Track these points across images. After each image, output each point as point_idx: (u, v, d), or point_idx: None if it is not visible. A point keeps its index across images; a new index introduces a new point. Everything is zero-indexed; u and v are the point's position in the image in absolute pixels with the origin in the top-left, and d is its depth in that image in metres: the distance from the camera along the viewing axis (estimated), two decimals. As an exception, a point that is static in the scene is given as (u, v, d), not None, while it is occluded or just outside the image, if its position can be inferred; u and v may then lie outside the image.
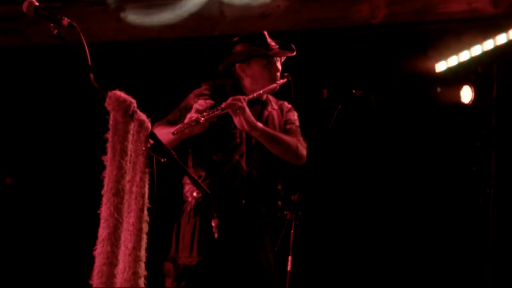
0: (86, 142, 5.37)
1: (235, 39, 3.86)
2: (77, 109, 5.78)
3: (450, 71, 5.30)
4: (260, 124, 3.64)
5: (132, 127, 2.65)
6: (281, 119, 3.87)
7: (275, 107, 3.89)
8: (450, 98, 5.32)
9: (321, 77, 5.28)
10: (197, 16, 5.32)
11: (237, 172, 3.70)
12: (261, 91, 3.73)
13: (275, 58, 3.79)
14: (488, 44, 4.97)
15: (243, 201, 3.68)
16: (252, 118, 3.60)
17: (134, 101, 2.65)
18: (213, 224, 3.64)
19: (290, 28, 5.11)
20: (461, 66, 5.23)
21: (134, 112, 2.63)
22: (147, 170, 2.63)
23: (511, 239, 5.01)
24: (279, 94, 3.90)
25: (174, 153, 2.70)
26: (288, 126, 3.85)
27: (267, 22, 5.13)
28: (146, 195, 2.61)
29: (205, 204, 3.68)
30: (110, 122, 2.64)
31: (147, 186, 2.62)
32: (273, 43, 3.82)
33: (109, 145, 2.64)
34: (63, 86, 5.82)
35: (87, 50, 2.60)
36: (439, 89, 5.42)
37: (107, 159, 2.63)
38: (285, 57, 3.85)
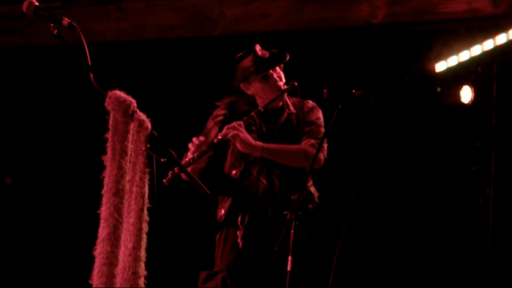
0: (86, 142, 5.38)
1: (237, 56, 3.88)
2: (77, 109, 5.78)
3: (450, 71, 5.30)
4: (259, 143, 3.68)
5: (132, 127, 2.65)
6: (300, 121, 3.87)
7: (293, 110, 3.89)
8: (450, 98, 5.31)
9: (321, 77, 5.27)
10: (197, 16, 5.32)
11: (258, 186, 3.75)
12: (261, 109, 3.76)
13: (270, 70, 3.81)
14: (488, 44, 4.97)
15: (270, 209, 3.72)
16: (250, 141, 3.65)
17: (134, 101, 2.65)
18: (238, 235, 3.71)
19: (290, 28, 5.11)
20: (461, 66, 5.22)
21: (134, 112, 2.64)
22: (147, 170, 2.63)
23: (511, 239, 5.01)
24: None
25: (174, 153, 2.70)
26: (306, 128, 3.84)
27: (267, 22, 5.13)
28: (146, 195, 2.62)
29: (231, 218, 3.75)
30: (110, 122, 2.64)
31: (147, 186, 2.62)
32: (266, 55, 3.82)
33: (109, 145, 2.64)
34: (63, 86, 5.82)
35: (87, 50, 2.60)
36: (439, 89, 5.41)
37: (107, 159, 2.63)
38: (282, 65, 3.87)
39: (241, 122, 3.68)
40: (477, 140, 5.22)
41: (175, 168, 3.49)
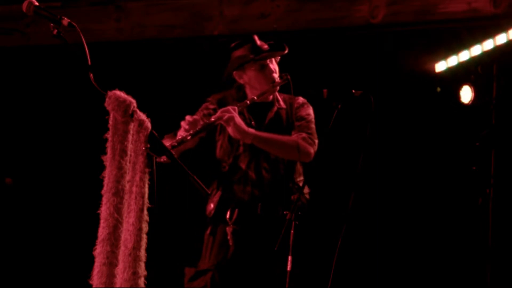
0: (86, 142, 5.37)
1: (232, 45, 3.87)
2: (77, 109, 5.78)
3: (450, 71, 5.30)
4: (252, 130, 3.64)
5: (132, 127, 2.65)
6: (290, 117, 3.85)
7: (283, 105, 3.87)
8: (450, 98, 5.32)
9: (321, 77, 5.27)
10: (197, 16, 5.33)
11: (247, 180, 3.72)
12: (255, 97, 3.74)
13: (267, 61, 3.79)
14: (488, 44, 4.97)
15: (259, 205, 3.70)
16: (243, 126, 3.61)
17: (134, 101, 2.65)
18: (227, 231, 3.69)
19: (290, 28, 5.11)
20: (461, 66, 5.23)
21: (134, 112, 2.64)
22: (147, 170, 2.63)
23: (511, 239, 5.01)
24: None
25: (174, 153, 2.70)
26: (297, 123, 3.82)
27: (267, 22, 5.13)
28: (146, 195, 2.62)
29: (220, 214, 3.72)
30: (110, 122, 2.64)
31: (147, 186, 2.62)
32: (264, 46, 3.81)
33: (109, 145, 2.64)
34: (63, 86, 5.82)
35: (87, 50, 2.60)
36: (439, 89, 5.42)
37: (107, 159, 2.63)
38: (279, 57, 3.85)
39: (236, 107, 3.64)
40: (477, 140, 5.22)
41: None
